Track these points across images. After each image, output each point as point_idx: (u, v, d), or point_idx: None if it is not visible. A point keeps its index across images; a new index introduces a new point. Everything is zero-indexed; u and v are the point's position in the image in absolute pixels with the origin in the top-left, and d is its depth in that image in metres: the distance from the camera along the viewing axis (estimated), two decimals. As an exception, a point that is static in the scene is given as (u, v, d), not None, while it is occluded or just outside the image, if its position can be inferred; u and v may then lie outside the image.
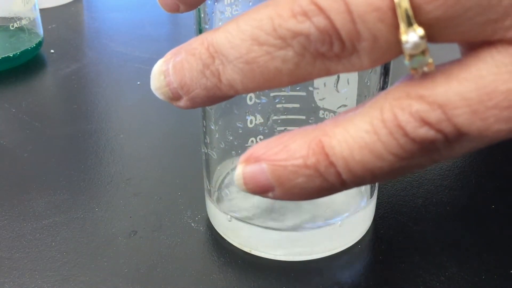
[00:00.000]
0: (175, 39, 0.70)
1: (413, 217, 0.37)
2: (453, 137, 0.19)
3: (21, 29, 0.59)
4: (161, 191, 0.40)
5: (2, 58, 0.57)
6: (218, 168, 0.37)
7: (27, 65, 0.59)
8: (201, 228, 0.37)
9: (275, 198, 0.21)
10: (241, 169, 0.22)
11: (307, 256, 0.35)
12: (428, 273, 0.34)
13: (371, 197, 0.36)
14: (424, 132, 0.19)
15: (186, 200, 0.39)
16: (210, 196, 0.37)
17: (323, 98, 0.33)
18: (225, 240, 0.36)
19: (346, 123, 0.20)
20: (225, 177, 0.37)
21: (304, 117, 0.34)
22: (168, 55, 0.23)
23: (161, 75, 0.23)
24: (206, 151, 0.36)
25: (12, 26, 0.59)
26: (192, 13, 0.31)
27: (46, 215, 0.38)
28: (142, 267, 0.34)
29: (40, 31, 0.62)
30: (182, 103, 0.22)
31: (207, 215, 0.38)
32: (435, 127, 0.19)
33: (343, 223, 0.34)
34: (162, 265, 0.34)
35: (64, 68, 0.59)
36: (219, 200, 0.36)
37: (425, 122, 0.19)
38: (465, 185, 0.41)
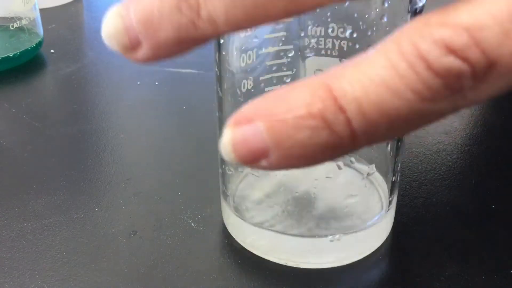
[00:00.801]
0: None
1: (413, 217, 0.37)
2: (481, 69, 0.16)
3: (21, 29, 0.59)
4: (161, 191, 0.40)
5: (2, 58, 0.57)
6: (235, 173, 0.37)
7: (27, 65, 0.59)
8: (201, 228, 0.37)
9: (269, 167, 0.18)
10: (229, 134, 0.18)
11: (322, 264, 0.34)
12: (428, 273, 0.34)
13: (389, 207, 0.35)
14: (449, 62, 0.16)
15: (186, 200, 0.39)
16: (225, 199, 0.36)
17: None
18: (225, 240, 0.36)
19: (357, 63, 0.17)
20: (242, 180, 0.37)
21: None
22: None
23: (118, 17, 0.19)
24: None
25: (12, 26, 0.59)
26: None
27: (46, 215, 0.38)
28: (142, 267, 0.34)
29: (40, 31, 0.62)
30: (141, 52, 0.19)
31: (207, 215, 0.38)
32: (461, 55, 0.16)
33: (362, 233, 0.34)
34: (162, 265, 0.34)
35: (64, 68, 0.59)
36: (236, 204, 0.36)
37: (449, 50, 0.16)
38: (465, 185, 0.41)
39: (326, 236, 0.34)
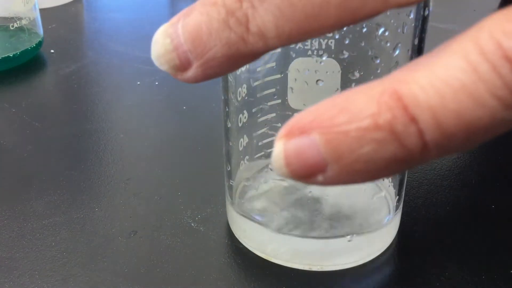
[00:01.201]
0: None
1: (413, 217, 0.37)
2: None
3: (21, 29, 0.59)
4: (161, 191, 0.40)
5: (2, 58, 0.57)
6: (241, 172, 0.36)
7: (27, 65, 0.59)
8: (201, 228, 0.37)
9: (326, 182, 0.16)
10: (281, 146, 0.16)
11: (328, 267, 0.34)
12: (428, 273, 0.34)
13: (396, 211, 0.35)
14: None
15: (186, 200, 0.39)
16: (231, 198, 0.36)
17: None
18: (225, 240, 0.36)
19: (428, 64, 0.15)
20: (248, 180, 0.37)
21: None
22: (176, 17, 0.18)
23: (167, 38, 0.18)
24: (228, 146, 0.35)
25: (12, 26, 0.59)
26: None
27: (46, 215, 0.38)
28: (142, 267, 0.34)
29: (40, 31, 0.62)
30: (191, 72, 0.19)
31: (207, 215, 0.38)
32: None
33: (367, 237, 0.34)
34: (162, 265, 0.34)
35: (64, 68, 0.59)
36: (239, 202, 0.36)
37: None
38: (465, 185, 0.41)
39: (343, 236, 0.33)
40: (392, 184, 0.35)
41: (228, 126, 0.34)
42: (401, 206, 0.36)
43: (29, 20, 0.60)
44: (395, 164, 0.15)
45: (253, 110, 0.33)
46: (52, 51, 0.63)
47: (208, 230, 0.37)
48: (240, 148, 0.34)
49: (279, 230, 0.34)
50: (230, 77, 0.33)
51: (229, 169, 0.35)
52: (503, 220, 0.38)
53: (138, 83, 0.56)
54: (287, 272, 0.34)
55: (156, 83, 0.56)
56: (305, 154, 0.16)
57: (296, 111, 0.32)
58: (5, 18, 0.59)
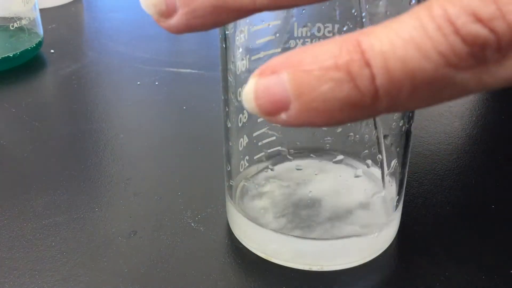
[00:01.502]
0: (174, 39, 0.69)
1: (413, 217, 0.37)
2: (506, 42, 0.16)
3: (21, 29, 0.59)
4: (161, 191, 0.40)
5: (2, 58, 0.57)
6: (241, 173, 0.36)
7: (27, 65, 0.59)
8: (201, 228, 0.37)
9: (287, 121, 0.18)
10: (253, 83, 0.18)
11: (328, 267, 0.34)
12: (428, 273, 0.34)
13: (395, 211, 0.35)
14: (476, 29, 0.16)
15: (186, 200, 0.39)
16: (231, 198, 0.36)
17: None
18: (225, 240, 0.36)
19: (388, 23, 0.17)
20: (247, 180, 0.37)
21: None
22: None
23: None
24: (228, 146, 0.35)
25: (12, 26, 0.58)
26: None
27: (46, 215, 0.38)
28: (142, 267, 0.34)
29: (40, 31, 0.61)
30: (175, 20, 0.19)
31: (207, 215, 0.38)
32: (487, 24, 0.16)
33: (367, 237, 0.34)
34: (162, 265, 0.34)
35: (64, 68, 0.59)
36: (240, 202, 0.36)
37: (477, 18, 0.16)
38: (465, 185, 0.41)
39: (343, 236, 0.33)
40: (392, 184, 0.35)
41: (228, 126, 0.34)
42: (401, 206, 0.35)
43: (29, 20, 0.60)
44: (349, 106, 0.17)
45: None
46: (52, 51, 0.63)
47: (208, 230, 0.37)
48: (240, 148, 0.34)
49: (279, 231, 0.34)
50: (230, 77, 0.33)
51: (229, 169, 0.35)
52: (503, 220, 0.37)
53: (138, 83, 0.56)
54: (287, 272, 0.34)
55: (156, 83, 0.55)
56: (273, 90, 0.17)
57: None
58: (5, 18, 0.59)
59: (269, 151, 0.35)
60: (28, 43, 0.59)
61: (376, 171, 0.35)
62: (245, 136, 0.34)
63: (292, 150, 0.35)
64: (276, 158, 0.36)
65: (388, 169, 0.34)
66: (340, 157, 0.35)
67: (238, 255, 0.35)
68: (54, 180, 0.41)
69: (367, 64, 0.16)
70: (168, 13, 0.19)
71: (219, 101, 0.52)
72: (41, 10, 0.63)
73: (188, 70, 0.58)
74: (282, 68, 0.17)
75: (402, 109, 0.18)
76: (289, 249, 0.34)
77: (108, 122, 0.49)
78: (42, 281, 0.33)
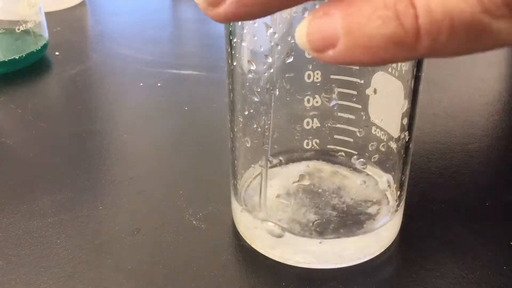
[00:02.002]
0: (177, 42, 0.70)
1: (414, 217, 0.37)
2: None
3: (27, 32, 0.59)
4: (164, 190, 0.40)
5: (9, 60, 0.57)
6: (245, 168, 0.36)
7: (32, 67, 0.59)
8: (203, 226, 0.37)
9: (334, 57, 0.19)
10: (306, 21, 0.19)
11: (329, 265, 0.34)
12: (424, 269, 0.34)
13: (396, 210, 0.35)
14: None
15: (188, 198, 0.39)
16: (236, 197, 0.36)
17: (381, 120, 0.33)
18: (226, 237, 0.36)
19: None
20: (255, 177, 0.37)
21: (356, 130, 0.34)
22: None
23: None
24: (234, 146, 0.35)
25: (18, 29, 0.59)
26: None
27: (51, 213, 0.38)
28: (145, 264, 0.34)
29: (46, 34, 0.62)
30: (223, 8, 0.19)
31: (208, 213, 0.38)
32: None
33: (368, 236, 0.34)
34: (164, 262, 0.34)
35: (68, 70, 0.59)
36: (245, 201, 0.36)
37: None
38: (460, 183, 0.41)
39: (344, 236, 0.34)
40: (394, 183, 0.35)
41: (233, 124, 0.34)
42: (402, 205, 0.36)
43: (35, 23, 0.60)
44: (393, 45, 0.18)
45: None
46: (57, 53, 0.63)
47: (210, 228, 0.37)
48: (246, 146, 0.35)
49: (283, 229, 0.34)
50: (236, 74, 0.33)
51: (234, 168, 0.36)
52: (498, 217, 0.38)
53: (141, 84, 0.56)
54: (288, 270, 0.34)
55: (159, 84, 0.56)
56: (324, 27, 0.19)
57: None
58: (11, 22, 0.59)
59: (276, 150, 0.35)
60: (33, 46, 0.59)
61: (379, 172, 0.35)
62: (250, 134, 0.34)
63: (298, 151, 0.35)
64: (282, 157, 0.36)
65: (392, 172, 0.35)
66: (344, 157, 0.35)
67: (240, 253, 0.35)
68: (59, 179, 0.42)
69: (412, 6, 0.17)
70: (216, 2, 0.19)
71: (220, 102, 0.52)
72: (46, 13, 0.63)
73: (190, 72, 0.59)
74: (335, 10, 0.18)
75: (440, 54, 0.18)
76: (291, 248, 0.34)
77: (112, 123, 0.50)
78: (47, 277, 0.33)
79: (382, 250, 0.35)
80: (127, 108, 0.53)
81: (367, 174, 0.36)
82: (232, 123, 0.35)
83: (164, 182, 0.41)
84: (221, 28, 0.71)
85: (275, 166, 0.36)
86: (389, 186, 0.35)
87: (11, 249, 0.36)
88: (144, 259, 0.35)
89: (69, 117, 0.51)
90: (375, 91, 0.32)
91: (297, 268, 0.34)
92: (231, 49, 0.32)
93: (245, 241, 0.36)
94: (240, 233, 0.36)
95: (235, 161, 0.35)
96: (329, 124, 0.34)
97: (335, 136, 0.34)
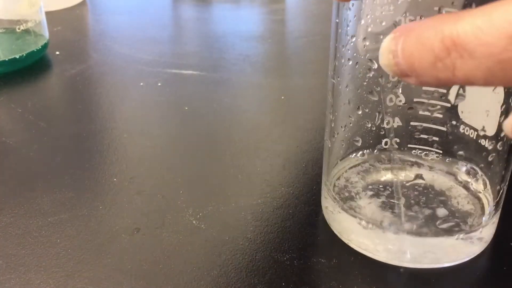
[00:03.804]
0: (177, 41, 0.70)
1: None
2: None
3: (27, 31, 0.59)
4: (164, 190, 0.40)
5: (9, 59, 0.57)
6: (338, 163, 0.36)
7: (33, 67, 0.59)
8: (202, 226, 0.37)
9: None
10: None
11: (423, 265, 0.34)
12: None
13: (494, 214, 0.34)
14: None
15: (187, 198, 0.39)
16: (326, 187, 0.36)
17: (469, 112, 0.32)
18: (225, 237, 0.36)
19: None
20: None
21: (444, 129, 0.33)
22: (398, 32, 0.21)
23: (390, 54, 0.22)
24: (328, 145, 0.35)
25: (19, 29, 0.59)
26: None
27: (51, 213, 0.38)
28: (145, 263, 0.34)
29: (46, 33, 0.62)
30: (412, 80, 0.22)
31: (208, 212, 0.38)
32: None
33: (465, 238, 0.33)
34: (164, 262, 0.34)
35: (69, 70, 0.59)
36: (342, 197, 0.36)
37: None
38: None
39: (441, 236, 0.33)
40: (493, 187, 0.34)
41: (331, 119, 0.35)
42: (499, 209, 0.35)
43: (35, 22, 0.60)
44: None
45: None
46: (57, 52, 0.63)
47: (209, 228, 0.37)
48: (340, 141, 0.35)
49: (378, 227, 0.33)
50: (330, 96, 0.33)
51: (327, 166, 0.36)
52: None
53: (141, 84, 0.56)
54: (287, 268, 0.34)
55: (159, 84, 0.56)
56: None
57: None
58: (12, 21, 0.59)
59: (366, 151, 0.35)
60: (34, 45, 0.59)
61: (478, 172, 0.35)
62: (348, 129, 0.35)
63: (393, 145, 0.35)
64: (377, 152, 0.36)
65: (494, 175, 0.34)
66: (440, 155, 0.35)
67: (238, 252, 0.35)
68: (59, 179, 0.42)
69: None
70: (404, 75, 0.22)
71: (220, 102, 0.52)
72: (46, 13, 0.63)
73: (190, 72, 0.58)
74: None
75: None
76: (383, 245, 0.34)
77: (112, 122, 0.49)
78: (47, 277, 0.33)
79: (476, 253, 0.34)
80: (127, 107, 0.53)
81: (467, 174, 0.35)
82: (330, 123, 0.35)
83: (164, 182, 0.41)
84: (221, 28, 0.71)
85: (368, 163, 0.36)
86: (485, 188, 0.35)
87: (11, 248, 0.35)
88: (144, 259, 0.34)
89: (69, 117, 0.51)
90: None
91: (294, 265, 0.34)
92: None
93: (244, 241, 0.35)
94: (336, 233, 0.36)
95: (328, 160, 0.35)
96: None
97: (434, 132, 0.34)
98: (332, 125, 0.35)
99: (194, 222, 0.37)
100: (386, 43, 0.22)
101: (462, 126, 0.33)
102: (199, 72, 0.58)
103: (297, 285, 0.33)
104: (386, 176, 0.36)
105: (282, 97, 0.53)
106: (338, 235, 0.36)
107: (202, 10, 0.78)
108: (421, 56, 0.20)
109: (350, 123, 0.35)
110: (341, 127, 0.35)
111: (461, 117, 0.33)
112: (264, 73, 0.59)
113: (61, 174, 0.42)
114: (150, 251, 0.35)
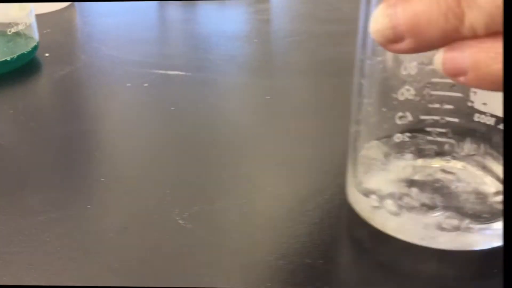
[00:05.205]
0: (163, 42, 0.69)
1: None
2: None
3: (17, 34, 0.59)
4: (151, 190, 0.40)
5: (1, 61, 0.56)
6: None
7: (23, 68, 0.59)
8: (188, 226, 0.37)
9: (465, 82, 0.22)
10: (442, 53, 0.22)
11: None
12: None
13: None
14: None
15: (174, 198, 0.39)
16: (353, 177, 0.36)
17: (485, 103, 0.32)
18: (212, 237, 0.36)
19: None
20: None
21: (457, 120, 0.33)
22: (393, 0, 0.22)
23: (386, 18, 0.22)
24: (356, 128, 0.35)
25: (10, 31, 0.58)
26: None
27: (41, 212, 0.38)
28: (132, 262, 0.34)
29: (36, 35, 0.61)
30: (403, 45, 0.22)
31: (194, 212, 0.38)
32: None
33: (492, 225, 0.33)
34: (151, 261, 0.34)
35: (58, 71, 0.59)
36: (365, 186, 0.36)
37: None
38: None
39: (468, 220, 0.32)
40: None
41: (363, 101, 0.34)
42: None
43: (26, 25, 0.59)
44: None
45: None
46: (47, 54, 0.62)
47: (195, 227, 0.37)
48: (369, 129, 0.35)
49: (407, 210, 0.33)
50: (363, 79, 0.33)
51: (354, 151, 0.36)
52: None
53: (128, 85, 0.56)
54: (277, 267, 0.34)
55: (145, 84, 0.56)
56: (457, 61, 0.21)
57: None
58: (3, 24, 0.58)
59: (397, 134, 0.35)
60: (24, 47, 0.59)
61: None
62: (376, 113, 0.34)
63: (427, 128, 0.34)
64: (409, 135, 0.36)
65: None
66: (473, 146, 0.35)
67: (224, 251, 0.35)
68: (49, 179, 0.42)
69: None
70: (395, 41, 0.22)
71: (206, 102, 0.52)
72: (36, 15, 0.62)
73: (177, 72, 0.58)
74: (466, 47, 0.21)
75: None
76: (409, 226, 0.33)
77: (100, 123, 0.49)
78: (37, 274, 0.33)
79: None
80: (114, 108, 0.53)
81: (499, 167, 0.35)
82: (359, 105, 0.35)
83: (151, 182, 0.41)
84: (206, 28, 0.71)
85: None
86: None
87: (2, 247, 0.35)
88: (132, 258, 0.34)
89: (59, 117, 0.51)
90: None
91: (279, 263, 0.34)
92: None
93: (230, 241, 0.36)
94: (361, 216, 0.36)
95: (356, 144, 0.35)
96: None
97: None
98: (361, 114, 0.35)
99: (180, 221, 0.37)
100: (381, 10, 0.22)
101: (476, 115, 0.33)
102: (185, 73, 0.58)
103: (284, 285, 0.33)
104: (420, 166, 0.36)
105: (267, 97, 0.53)
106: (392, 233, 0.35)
107: (188, 10, 0.78)
108: (430, 9, 0.21)
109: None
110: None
111: (478, 108, 0.32)
112: (249, 73, 0.59)
113: (51, 174, 0.42)
114: (138, 250, 0.35)
